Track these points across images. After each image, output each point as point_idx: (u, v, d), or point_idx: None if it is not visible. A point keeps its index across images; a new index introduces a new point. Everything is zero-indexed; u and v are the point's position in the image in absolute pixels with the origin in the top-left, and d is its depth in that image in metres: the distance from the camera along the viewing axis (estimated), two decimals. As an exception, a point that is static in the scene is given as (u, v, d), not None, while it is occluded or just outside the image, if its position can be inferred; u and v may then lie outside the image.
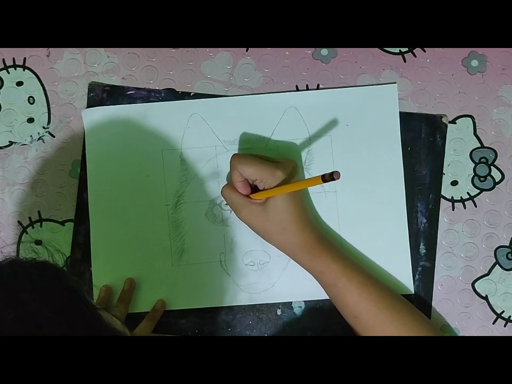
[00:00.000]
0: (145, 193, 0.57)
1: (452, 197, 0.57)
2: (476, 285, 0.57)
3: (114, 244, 0.56)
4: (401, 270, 0.56)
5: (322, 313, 0.56)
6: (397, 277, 0.56)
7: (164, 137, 0.57)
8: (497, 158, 0.57)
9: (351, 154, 0.57)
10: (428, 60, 0.58)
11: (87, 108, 0.57)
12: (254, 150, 0.56)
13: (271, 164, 0.52)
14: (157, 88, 0.58)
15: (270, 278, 0.56)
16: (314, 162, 0.57)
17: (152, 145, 0.57)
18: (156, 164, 0.57)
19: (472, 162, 0.58)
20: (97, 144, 0.57)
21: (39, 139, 0.58)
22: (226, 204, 0.56)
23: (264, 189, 0.52)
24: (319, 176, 0.45)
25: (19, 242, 0.58)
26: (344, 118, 0.57)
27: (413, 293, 0.56)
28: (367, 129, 0.57)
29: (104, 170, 0.57)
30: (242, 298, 0.56)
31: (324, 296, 0.55)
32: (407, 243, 0.56)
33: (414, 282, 0.56)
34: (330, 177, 0.44)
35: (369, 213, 0.56)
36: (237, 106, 0.57)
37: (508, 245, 0.57)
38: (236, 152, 0.57)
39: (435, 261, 0.57)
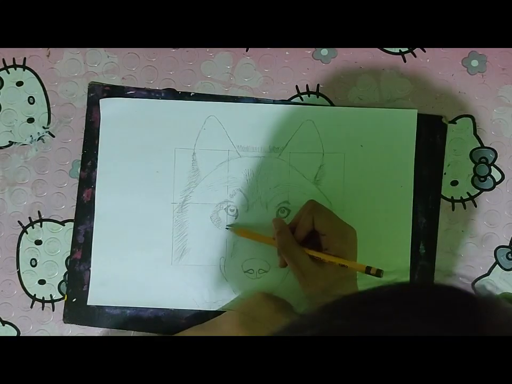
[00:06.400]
0: (153, 189, 0.57)
1: (452, 197, 0.57)
2: (475, 285, 0.57)
3: (116, 238, 0.57)
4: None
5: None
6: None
7: (179, 136, 0.57)
8: (497, 158, 0.57)
9: (363, 175, 0.56)
10: (428, 60, 0.58)
11: (87, 107, 0.57)
12: (266, 159, 0.56)
13: (346, 223, 0.51)
14: (157, 88, 0.58)
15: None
16: (325, 178, 0.56)
17: (165, 142, 0.57)
18: (167, 161, 0.57)
19: (472, 162, 0.57)
20: (111, 134, 0.57)
21: (39, 139, 0.58)
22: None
23: (324, 247, 0.50)
24: (364, 265, 0.48)
25: (19, 242, 0.58)
26: (360, 138, 0.56)
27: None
28: (381, 152, 0.56)
29: (115, 161, 0.57)
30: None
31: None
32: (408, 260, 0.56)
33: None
34: (376, 272, 0.48)
35: (373, 235, 0.56)
36: (255, 114, 0.57)
37: (507, 245, 0.57)
38: (248, 158, 0.56)
39: (435, 261, 0.56)
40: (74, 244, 0.57)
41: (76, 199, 0.57)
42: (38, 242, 0.58)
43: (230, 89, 0.58)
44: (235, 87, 0.58)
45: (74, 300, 0.57)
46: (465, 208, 0.57)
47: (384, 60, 0.58)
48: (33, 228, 0.58)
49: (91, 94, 0.58)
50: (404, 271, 0.56)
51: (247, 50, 0.58)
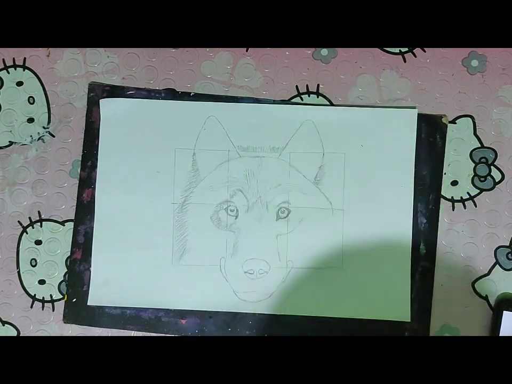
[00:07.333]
0: (153, 189, 0.57)
1: (452, 197, 0.57)
2: (476, 285, 0.57)
3: (116, 238, 0.56)
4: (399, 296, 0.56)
5: (322, 313, 0.56)
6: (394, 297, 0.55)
7: (179, 136, 0.57)
8: (497, 158, 0.57)
9: (363, 175, 0.56)
10: (428, 60, 0.58)
11: (87, 107, 0.58)
12: (266, 159, 0.56)
13: None
14: (157, 88, 0.58)
15: (268, 289, 0.56)
16: (325, 178, 0.56)
17: (165, 142, 0.57)
18: (167, 161, 0.57)
19: (472, 162, 0.58)
20: (111, 134, 0.57)
21: (39, 139, 0.58)
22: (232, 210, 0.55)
23: None
24: None
25: (19, 242, 0.58)
26: (360, 138, 0.56)
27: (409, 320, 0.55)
28: (382, 152, 0.56)
29: (115, 161, 0.57)
30: (238, 306, 0.56)
31: (324, 313, 0.55)
32: (408, 276, 0.56)
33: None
34: None
35: (373, 235, 0.56)
36: (255, 114, 0.57)
37: (507, 245, 0.57)
38: (248, 158, 0.56)
39: (435, 261, 0.57)
40: (74, 244, 0.57)
41: (75, 199, 0.57)
42: (38, 242, 0.58)
43: (230, 89, 0.58)
44: (235, 87, 0.58)
45: (74, 300, 0.57)
46: (465, 208, 0.57)
47: (384, 60, 0.58)
48: (33, 228, 0.58)
49: (91, 94, 0.58)
50: (404, 271, 0.56)
51: (247, 50, 0.58)
